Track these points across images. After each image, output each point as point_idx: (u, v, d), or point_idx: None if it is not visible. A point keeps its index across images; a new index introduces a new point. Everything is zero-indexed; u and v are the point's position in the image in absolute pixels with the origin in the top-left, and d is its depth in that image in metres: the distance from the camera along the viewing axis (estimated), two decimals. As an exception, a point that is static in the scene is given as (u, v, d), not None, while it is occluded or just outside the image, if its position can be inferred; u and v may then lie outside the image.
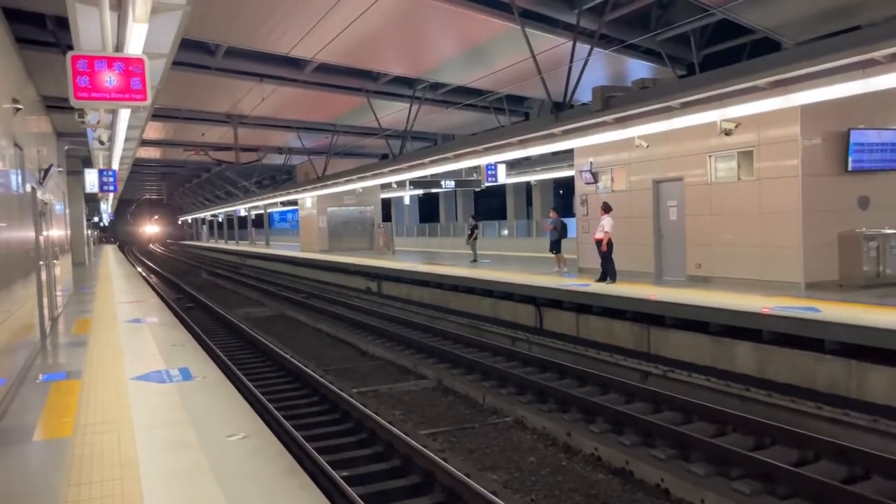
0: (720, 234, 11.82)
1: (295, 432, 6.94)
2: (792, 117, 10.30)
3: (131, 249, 57.62)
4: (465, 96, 18.68)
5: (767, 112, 9.49)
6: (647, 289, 11.47)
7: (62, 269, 13.16)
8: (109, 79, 4.27)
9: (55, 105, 14.41)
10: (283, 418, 7.51)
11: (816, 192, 10.50)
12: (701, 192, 12.14)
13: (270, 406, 8.02)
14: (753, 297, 9.83)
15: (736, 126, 10.40)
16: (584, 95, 13.19)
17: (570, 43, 12.23)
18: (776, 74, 8.31)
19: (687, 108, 9.60)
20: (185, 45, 9.72)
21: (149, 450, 4.38)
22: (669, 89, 10.02)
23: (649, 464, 6.34)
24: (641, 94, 10.49)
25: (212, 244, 61.58)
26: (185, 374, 6.61)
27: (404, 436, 6.78)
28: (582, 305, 11.98)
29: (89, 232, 33.84)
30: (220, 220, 63.08)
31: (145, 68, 4.35)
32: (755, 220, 11.17)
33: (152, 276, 31.38)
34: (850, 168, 10.65)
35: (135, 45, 4.59)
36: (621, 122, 10.85)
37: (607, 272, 12.57)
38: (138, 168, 29.86)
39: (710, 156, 11.91)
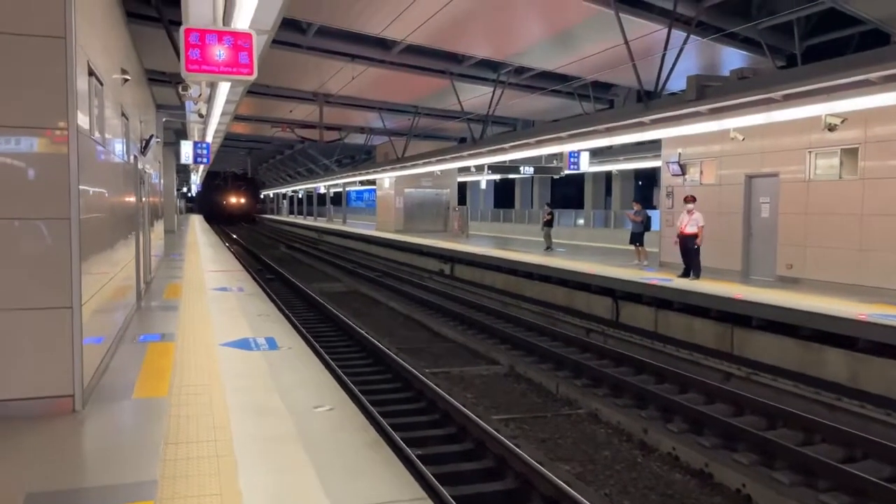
0: (815, 235, 11.26)
1: (371, 407, 7.08)
2: (904, 115, 9.67)
3: (215, 220, 59.85)
4: (548, 82, 18.37)
5: (876, 109, 8.95)
6: (733, 287, 11.07)
7: (155, 235, 13.79)
8: (219, 52, 4.41)
9: (154, 78, 15.06)
10: (360, 393, 7.67)
11: (926, 194, 9.85)
12: (797, 190, 11.58)
13: (348, 380, 8.20)
14: (849, 302, 9.35)
15: (842, 121, 9.84)
16: (673, 85, 12.75)
17: (664, 29, 11.82)
18: (890, 69, 7.79)
19: (790, 100, 9.13)
20: (279, 24, 9.93)
21: (239, 414, 4.54)
22: (771, 80, 9.55)
23: (730, 467, 6.15)
24: (740, 84, 10.06)
25: (290, 219, 63.32)
26: (272, 344, 6.81)
27: (477, 419, 6.81)
28: (662, 300, 11.68)
29: (178, 202, 35.36)
30: (300, 196, 64.71)
31: (253, 43, 4.47)
32: (855, 221, 10.58)
33: (234, 246, 32.55)
34: (965, 171, 9.93)
35: (243, 20, 4.71)
36: (716, 113, 10.43)
37: (691, 268, 12.20)
38: (227, 142, 30.87)
39: (809, 152, 11.33)
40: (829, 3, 10.82)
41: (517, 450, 6.00)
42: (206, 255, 17.71)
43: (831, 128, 10.03)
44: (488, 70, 17.66)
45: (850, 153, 10.69)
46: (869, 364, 8.17)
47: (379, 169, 29.19)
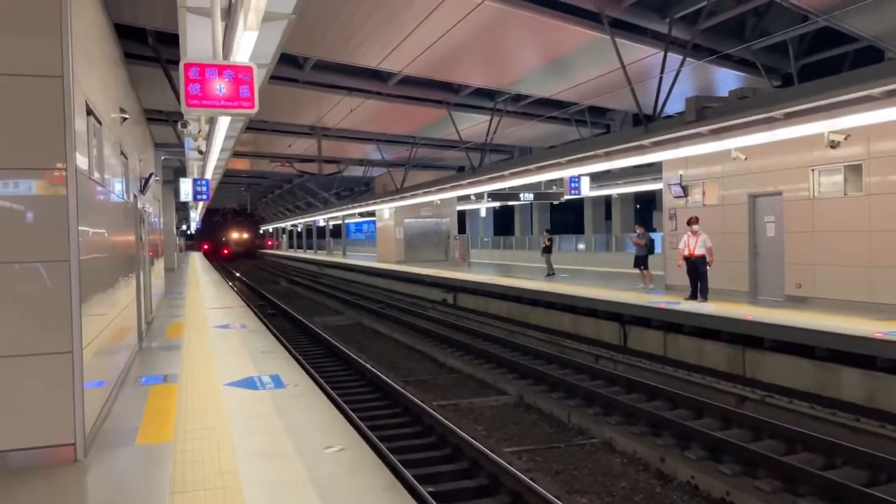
0: (823, 253, 11.15)
1: (382, 446, 6.89)
2: (906, 129, 9.63)
3: (215, 257, 59.73)
4: (545, 108, 18.47)
5: (878, 124, 8.90)
6: (743, 308, 10.93)
7: (156, 274, 13.68)
8: (220, 87, 4.34)
9: (153, 117, 15.09)
10: (368, 430, 7.48)
11: (934, 209, 9.77)
12: (802, 208, 11.50)
13: (355, 416, 8.01)
14: (862, 321, 9.20)
15: (845, 138, 9.80)
16: (669, 108, 12.78)
17: (659, 53, 11.88)
18: (892, 83, 7.75)
19: (791, 118, 9.09)
20: (278, 58, 9.95)
21: (248, 458, 4.38)
22: (771, 99, 9.53)
23: (753, 495, 5.96)
24: (741, 104, 10.03)
25: (290, 253, 63.27)
26: (277, 382, 6.66)
27: (490, 452, 6.62)
28: (671, 324, 11.53)
29: (178, 239, 35.31)
30: (298, 230, 64.76)
31: (254, 76, 4.41)
32: (863, 238, 10.48)
33: (235, 282, 32.41)
34: (971, 184, 9.87)
35: (243, 53, 4.66)
36: (717, 134, 10.40)
37: (700, 290, 12.07)
38: (226, 178, 30.94)
39: (812, 169, 11.28)
40: (823, 21, 10.88)
41: (533, 484, 5.81)
42: (206, 293, 17.58)
43: (834, 145, 10.00)
44: (485, 99, 17.75)
45: (854, 169, 10.63)
46: (887, 383, 8.00)
47: (378, 200, 29.21)
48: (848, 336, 8.42)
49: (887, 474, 6.24)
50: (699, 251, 11.99)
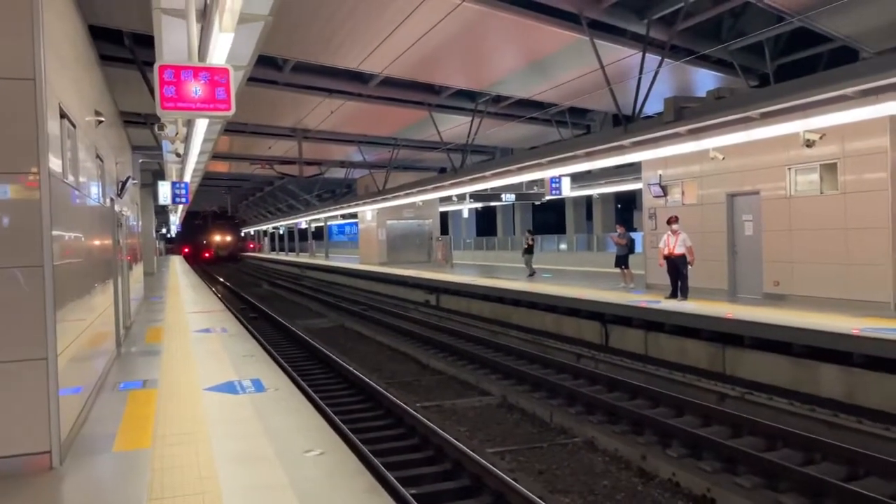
0: (801, 251, 11.28)
1: (364, 448, 6.86)
2: (880, 128, 9.78)
3: (196, 261, 59.19)
4: (526, 109, 18.52)
5: (852, 123, 9.04)
6: (722, 307, 11.03)
7: (134, 278, 13.53)
8: (195, 89, 4.29)
9: (130, 120, 14.93)
10: (350, 433, 7.44)
11: (908, 206, 9.91)
12: (779, 207, 11.64)
13: (337, 420, 7.97)
14: (839, 317, 9.33)
15: (820, 137, 9.93)
16: (648, 108, 12.87)
17: (637, 54, 11.96)
18: (866, 83, 7.87)
19: (767, 118, 9.20)
20: (255, 60, 9.90)
21: (228, 464, 4.34)
22: (748, 99, 9.64)
23: (733, 492, 6.00)
24: (717, 104, 10.13)
25: (272, 255, 62.87)
26: (258, 386, 6.61)
27: (473, 453, 6.62)
28: (652, 323, 11.60)
29: (158, 243, 34.96)
30: (280, 232, 64.39)
31: (230, 78, 4.37)
32: (839, 235, 10.62)
33: (216, 286, 32.14)
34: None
35: (219, 55, 4.62)
36: (695, 134, 10.50)
37: (680, 288, 12.16)
38: (206, 181, 30.69)
39: (789, 168, 11.41)
40: (798, 21, 11.01)
41: (516, 484, 5.81)
42: (187, 297, 17.41)
43: (809, 144, 10.12)
44: (466, 100, 17.76)
45: (830, 168, 10.77)
46: (864, 379, 8.11)
47: (360, 202, 29.12)
48: (826, 333, 8.53)
49: (865, 469, 6.31)
50: (679, 250, 12.09)
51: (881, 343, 7.85)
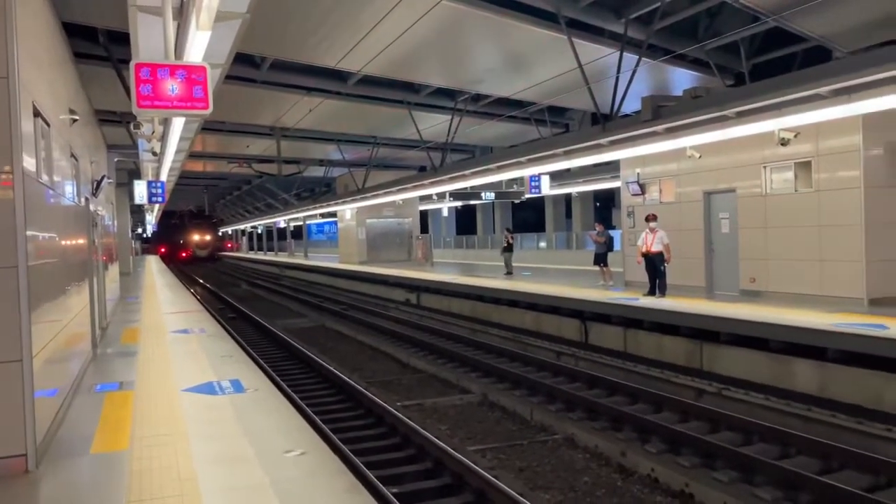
0: (776, 248, 11.45)
1: (345, 448, 6.84)
2: (853, 127, 9.95)
3: (173, 261, 58.56)
4: (505, 108, 18.56)
5: (826, 122, 9.19)
6: (699, 303, 11.15)
7: (110, 278, 13.35)
8: (172, 87, 4.25)
9: (105, 118, 14.72)
10: (330, 432, 7.42)
11: (880, 204, 10.10)
12: (755, 204, 11.79)
13: (318, 419, 7.94)
14: (814, 313, 9.48)
15: (795, 136, 10.08)
16: (627, 107, 12.96)
17: (615, 53, 12.04)
18: (839, 82, 7.99)
19: (743, 117, 9.31)
20: (233, 58, 9.83)
21: (207, 465, 4.30)
22: (723, 98, 9.75)
23: (711, 486, 6.08)
24: (694, 103, 10.23)
25: (251, 255, 62.38)
26: (237, 387, 6.56)
27: (454, 451, 6.63)
28: (631, 320, 11.70)
29: (134, 243, 34.52)
30: (259, 231, 63.90)
31: (207, 76, 4.33)
32: (814, 233, 10.79)
33: (194, 286, 31.82)
34: (915, 179, 10.24)
35: (195, 53, 4.57)
36: (672, 133, 10.59)
37: (658, 286, 12.28)
38: (183, 180, 30.34)
39: (764, 167, 11.57)
40: (773, 21, 11.15)
41: (496, 482, 5.84)
42: (164, 297, 17.22)
43: (784, 142, 10.26)
44: (445, 98, 17.75)
45: (804, 166, 10.94)
46: (837, 373, 8.25)
47: (340, 201, 29.00)
48: (800, 328, 8.66)
49: (839, 462, 6.43)
50: (656, 248, 12.20)
51: (854, 338, 7.99)
